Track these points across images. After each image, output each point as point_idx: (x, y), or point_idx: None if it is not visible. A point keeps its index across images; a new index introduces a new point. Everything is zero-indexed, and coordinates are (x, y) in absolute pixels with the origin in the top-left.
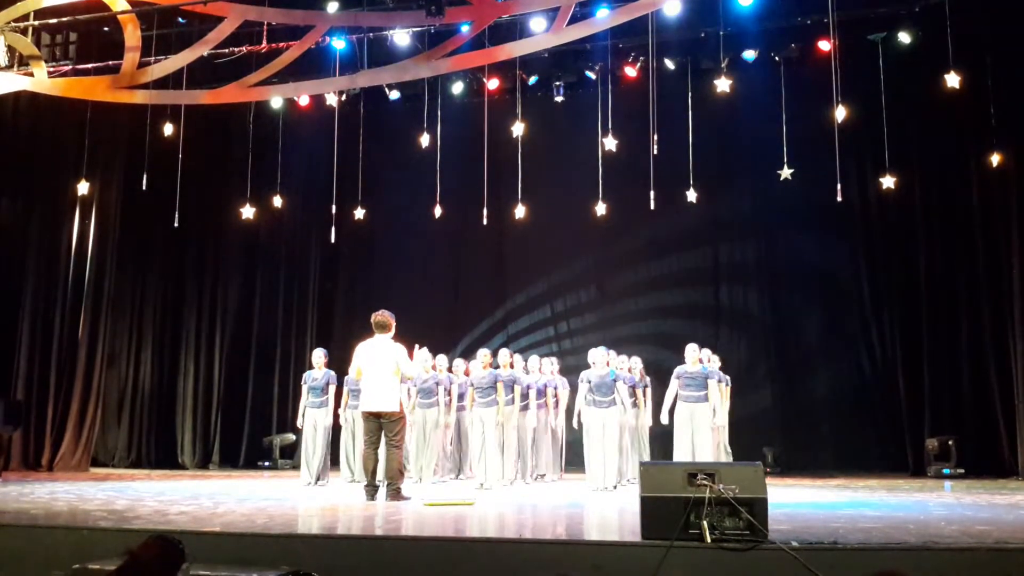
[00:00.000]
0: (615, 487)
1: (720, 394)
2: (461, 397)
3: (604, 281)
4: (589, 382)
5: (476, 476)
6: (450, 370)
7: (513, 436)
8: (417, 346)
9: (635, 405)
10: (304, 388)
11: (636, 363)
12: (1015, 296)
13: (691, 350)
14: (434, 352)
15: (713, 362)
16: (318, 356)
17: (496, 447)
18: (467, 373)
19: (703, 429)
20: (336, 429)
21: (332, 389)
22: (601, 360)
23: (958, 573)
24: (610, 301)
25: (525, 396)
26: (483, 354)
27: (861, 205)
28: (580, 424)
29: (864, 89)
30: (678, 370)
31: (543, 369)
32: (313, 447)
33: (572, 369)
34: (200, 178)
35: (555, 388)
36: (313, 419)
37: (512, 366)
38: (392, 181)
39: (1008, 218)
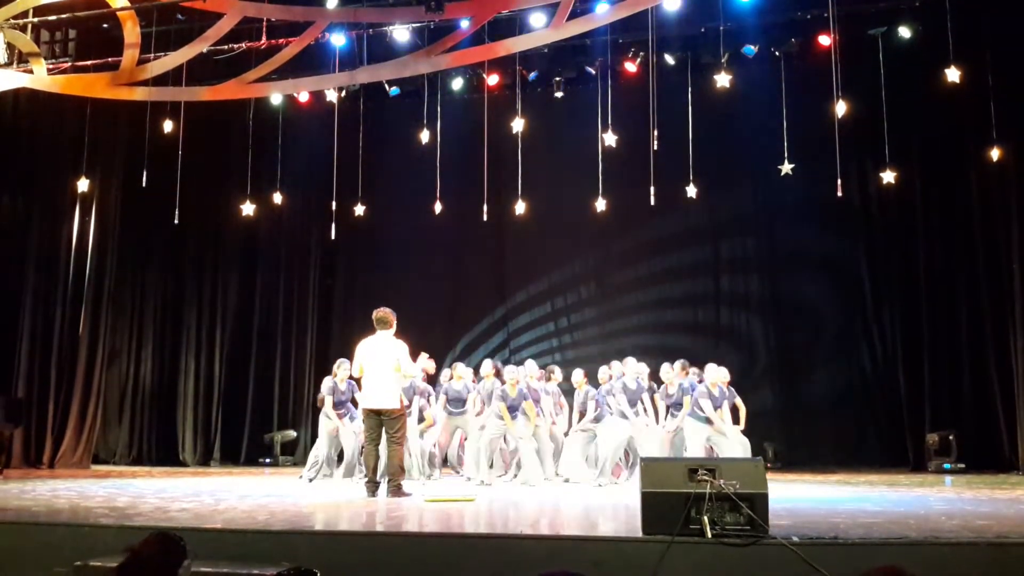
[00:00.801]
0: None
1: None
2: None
3: (604, 277)
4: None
5: (467, 474)
6: (477, 379)
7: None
8: (425, 356)
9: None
10: (329, 399)
11: (642, 368)
12: (1015, 291)
13: (718, 371)
14: (434, 353)
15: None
16: (345, 369)
17: (532, 451)
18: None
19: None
20: None
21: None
22: (632, 371)
23: (959, 568)
24: (610, 297)
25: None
26: (489, 366)
27: (861, 200)
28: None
29: (864, 84)
30: (706, 391)
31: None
32: (328, 449)
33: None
34: (200, 175)
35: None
36: (331, 427)
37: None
38: (392, 177)
39: (1008, 213)
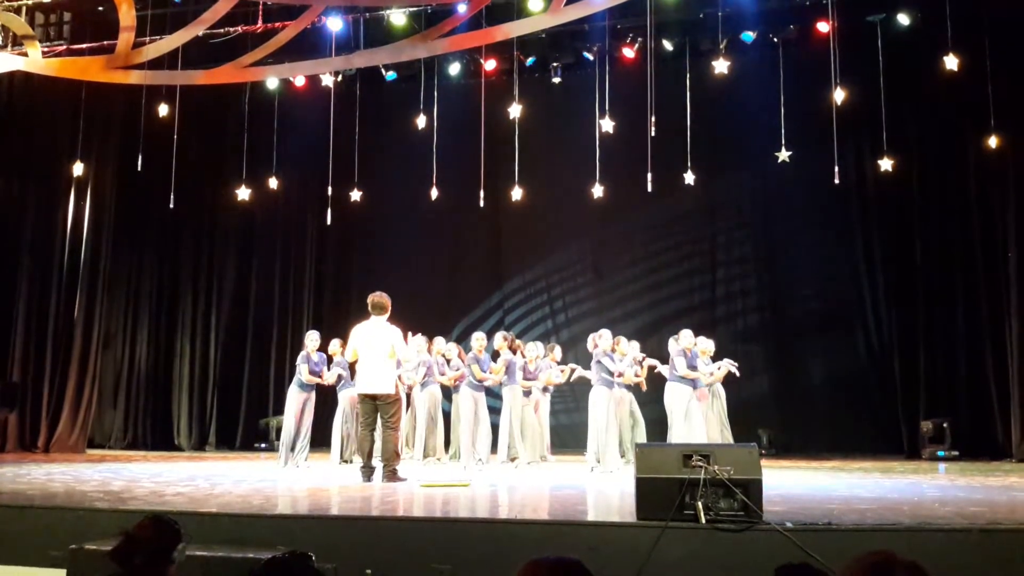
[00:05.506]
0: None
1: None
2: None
3: (601, 263)
4: (600, 362)
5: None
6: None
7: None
8: (411, 333)
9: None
10: (304, 367)
11: (634, 346)
12: (1011, 279)
13: (689, 335)
14: (430, 335)
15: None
16: (314, 340)
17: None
18: (461, 356)
19: (700, 411)
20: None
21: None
22: (607, 342)
23: (952, 554)
24: (607, 283)
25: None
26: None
27: (859, 187)
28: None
29: (862, 71)
30: (682, 351)
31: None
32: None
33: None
34: (195, 159)
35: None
36: (299, 403)
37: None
38: (388, 162)
39: (1005, 200)
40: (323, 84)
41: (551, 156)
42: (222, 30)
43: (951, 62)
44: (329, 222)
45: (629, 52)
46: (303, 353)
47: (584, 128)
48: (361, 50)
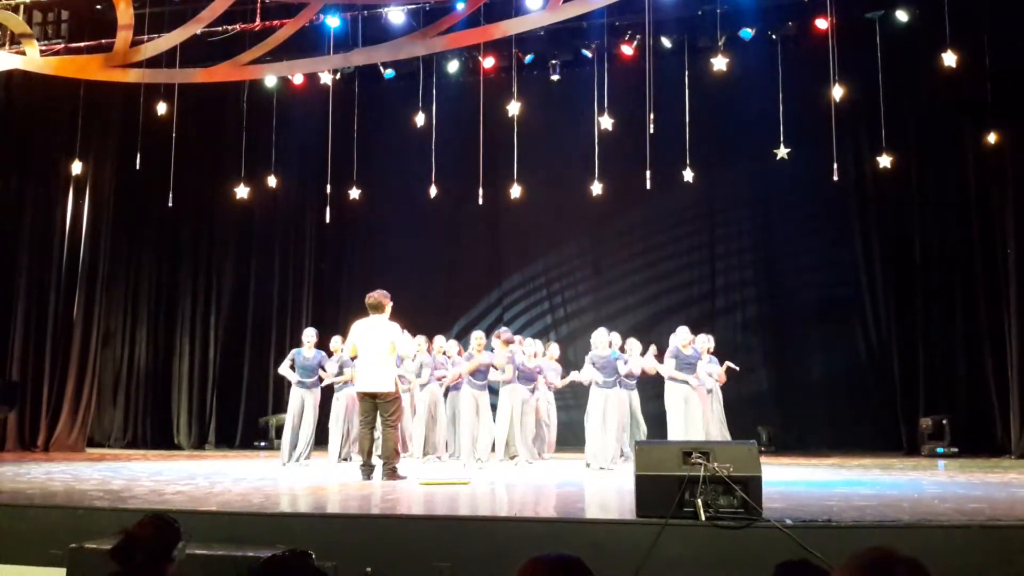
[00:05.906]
0: (611, 467)
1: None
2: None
3: (600, 260)
4: (594, 363)
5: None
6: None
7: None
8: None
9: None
10: (286, 364)
11: (633, 345)
12: (1010, 276)
13: (684, 332)
14: (429, 333)
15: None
16: (310, 335)
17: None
18: (460, 354)
19: (699, 410)
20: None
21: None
22: (602, 341)
23: (951, 550)
24: (606, 280)
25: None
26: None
27: (857, 184)
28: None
29: (861, 68)
30: (675, 351)
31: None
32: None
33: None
34: (194, 157)
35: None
36: (297, 403)
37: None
38: (387, 160)
39: (1004, 197)
40: (321, 82)
41: (550, 153)
42: (220, 28)
43: (949, 59)
44: (328, 220)
45: (628, 49)
46: (295, 350)
47: (583, 125)
48: (359, 48)
